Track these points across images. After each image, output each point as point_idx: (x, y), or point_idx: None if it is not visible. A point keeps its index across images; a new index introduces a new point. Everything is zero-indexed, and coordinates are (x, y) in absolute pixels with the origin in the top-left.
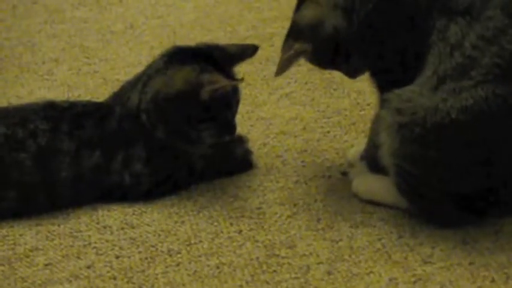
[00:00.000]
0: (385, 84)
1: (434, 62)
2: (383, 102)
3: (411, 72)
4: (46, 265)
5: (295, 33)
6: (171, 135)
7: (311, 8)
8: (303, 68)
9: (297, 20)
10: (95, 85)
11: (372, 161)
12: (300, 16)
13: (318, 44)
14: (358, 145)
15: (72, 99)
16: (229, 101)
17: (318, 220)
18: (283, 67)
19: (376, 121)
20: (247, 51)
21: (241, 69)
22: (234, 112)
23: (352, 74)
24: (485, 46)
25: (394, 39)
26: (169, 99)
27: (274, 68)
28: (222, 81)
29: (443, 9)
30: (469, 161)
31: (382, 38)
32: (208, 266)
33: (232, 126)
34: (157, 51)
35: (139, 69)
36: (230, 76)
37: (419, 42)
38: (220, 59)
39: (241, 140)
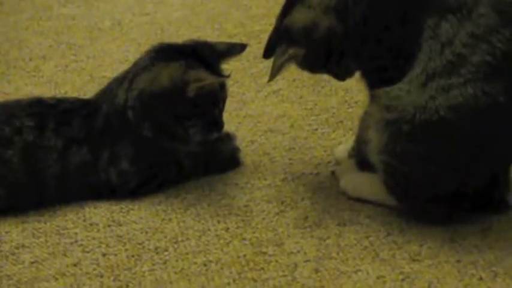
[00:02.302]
0: (376, 82)
1: (424, 59)
2: (372, 98)
3: (403, 70)
4: (32, 263)
5: (288, 38)
6: (157, 133)
7: (303, 12)
8: (291, 65)
9: (289, 24)
10: (82, 82)
11: (360, 158)
12: (292, 20)
13: (311, 47)
14: (345, 143)
15: (59, 96)
16: (216, 98)
17: (306, 218)
18: (276, 72)
19: (365, 118)
20: (235, 49)
21: (228, 67)
22: (221, 109)
23: (342, 76)
24: (475, 44)
25: (388, 38)
26: (155, 96)
27: (262, 66)
28: (209, 78)
29: (435, 6)
30: (457, 158)
31: (376, 37)
32: (195, 263)
33: (219, 123)
34: (145, 49)
35: (126, 66)
36: (217, 73)
37: (412, 40)
38: (207, 56)
39: (229, 138)
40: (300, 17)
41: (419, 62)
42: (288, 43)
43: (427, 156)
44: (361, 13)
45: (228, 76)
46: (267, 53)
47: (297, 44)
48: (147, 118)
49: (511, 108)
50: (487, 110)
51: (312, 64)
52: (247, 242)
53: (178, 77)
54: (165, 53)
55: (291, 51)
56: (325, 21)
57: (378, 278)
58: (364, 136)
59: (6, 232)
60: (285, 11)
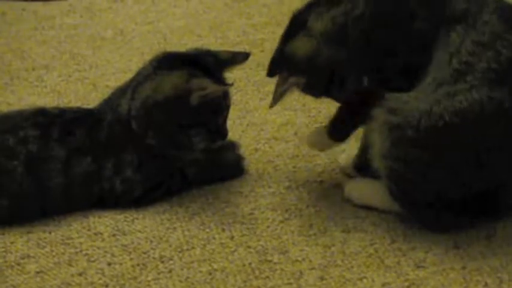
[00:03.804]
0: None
1: (434, 69)
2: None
3: (412, 81)
4: (37, 273)
5: (289, 66)
6: (161, 142)
7: (305, 41)
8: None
9: (291, 53)
10: (85, 92)
11: (363, 166)
12: (295, 49)
13: (312, 76)
14: (349, 150)
15: (62, 105)
16: (219, 106)
17: (310, 225)
18: (278, 99)
19: (368, 123)
20: (239, 58)
21: (232, 75)
22: (224, 117)
23: (343, 99)
24: (481, 51)
25: (397, 53)
26: (158, 104)
27: (265, 74)
28: (212, 87)
29: (441, 18)
30: (461, 164)
31: (381, 53)
32: (200, 272)
33: (223, 131)
34: (148, 58)
35: (129, 75)
36: (220, 81)
37: (421, 52)
38: (210, 64)
39: (233, 146)
40: (302, 46)
41: (429, 73)
42: (289, 71)
43: (431, 162)
44: (360, 31)
45: (231, 84)
46: (270, 72)
47: (298, 73)
48: (150, 127)
49: None
50: (492, 115)
51: (314, 91)
52: (252, 250)
53: (182, 86)
54: (167, 62)
55: (292, 79)
56: (326, 51)
57: (383, 285)
58: (367, 141)
59: (11, 242)
60: (289, 33)
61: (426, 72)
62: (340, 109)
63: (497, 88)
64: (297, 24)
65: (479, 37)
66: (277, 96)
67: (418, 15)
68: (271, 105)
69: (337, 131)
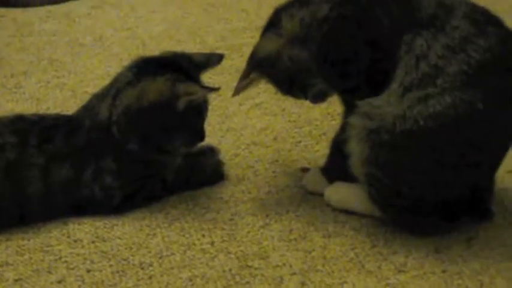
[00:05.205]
0: (353, 99)
1: (401, 74)
2: (352, 109)
3: (379, 87)
4: (16, 280)
5: (252, 62)
6: (144, 147)
7: (271, 40)
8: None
9: (255, 49)
10: (63, 98)
11: (335, 173)
12: (260, 47)
13: (273, 76)
14: (314, 173)
15: (41, 112)
16: (201, 108)
17: (291, 230)
18: (239, 91)
19: (343, 131)
20: (213, 60)
21: (211, 80)
22: (204, 119)
23: (313, 101)
24: (451, 55)
25: (359, 59)
26: (143, 111)
27: None
28: (199, 91)
29: (408, 24)
30: (438, 168)
31: (345, 59)
32: (180, 278)
33: (202, 133)
34: (127, 63)
35: (108, 81)
36: (199, 84)
37: (386, 59)
38: (188, 67)
39: (213, 151)
40: (267, 44)
41: (396, 77)
42: (252, 67)
43: (408, 165)
44: (322, 36)
45: (218, 88)
46: (247, 67)
47: (259, 70)
48: (133, 133)
49: (490, 115)
50: (466, 118)
51: (278, 89)
52: (232, 256)
53: (167, 91)
54: (147, 67)
55: (253, 75)
56: (289, 52)
57: None
58: (345, 148)
59: None
60: (264, 29)
61: (392, 78)
62: (332, 148)
63: (469, 91)
64: (273, 21)
65: (449, 41)
66: (238, 90)
67: (383, 20)
68: (233, 95)
69: (333, 171)
